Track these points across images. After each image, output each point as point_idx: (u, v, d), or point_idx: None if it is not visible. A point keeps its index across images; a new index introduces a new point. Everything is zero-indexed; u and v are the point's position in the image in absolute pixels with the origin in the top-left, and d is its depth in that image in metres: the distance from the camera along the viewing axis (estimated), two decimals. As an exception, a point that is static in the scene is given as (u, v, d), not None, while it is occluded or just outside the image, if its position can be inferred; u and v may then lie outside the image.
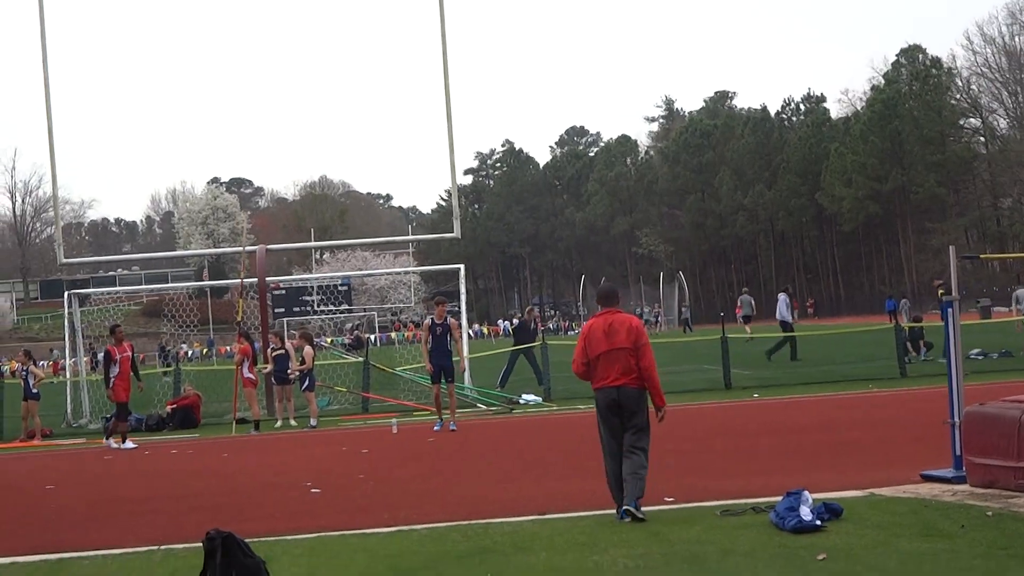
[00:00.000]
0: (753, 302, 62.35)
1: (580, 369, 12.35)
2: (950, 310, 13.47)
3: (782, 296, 39.25)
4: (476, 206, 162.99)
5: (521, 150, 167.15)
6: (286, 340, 30.01)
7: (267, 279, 32.55)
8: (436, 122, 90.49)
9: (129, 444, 24.33)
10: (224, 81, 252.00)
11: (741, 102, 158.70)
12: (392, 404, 29.21)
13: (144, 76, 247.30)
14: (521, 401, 28.39)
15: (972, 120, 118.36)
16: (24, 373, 28.92)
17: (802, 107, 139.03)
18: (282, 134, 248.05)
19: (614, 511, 11.80)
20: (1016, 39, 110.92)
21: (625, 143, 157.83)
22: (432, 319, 24.40)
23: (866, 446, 16.93)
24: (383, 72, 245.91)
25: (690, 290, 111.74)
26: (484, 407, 28.18)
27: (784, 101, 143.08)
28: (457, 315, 31.19)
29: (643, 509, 11.83)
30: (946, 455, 13.11)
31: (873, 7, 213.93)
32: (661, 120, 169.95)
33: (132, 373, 25.22)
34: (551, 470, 16.32)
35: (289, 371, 28.00)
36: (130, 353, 25.44)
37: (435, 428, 23.45)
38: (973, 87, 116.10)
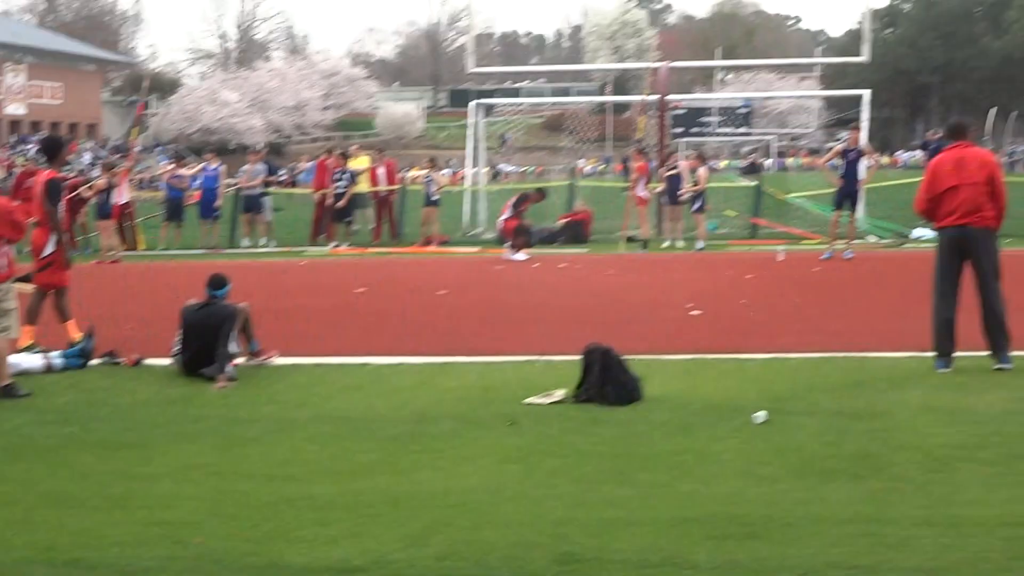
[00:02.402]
0: None
1: (923, 207, 11.68)
2: None
3: None
4: (889, 31, 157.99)
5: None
6: (681, 160, 30.13)
7: (668, 98, 32.54)
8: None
9: (520, 255, 25.05)
10: None
11: None
12: (781, 231, 29.02)
13: None
14: (912, 235, 27.75)
15: None
16: (427, 180, 30.12)
17: None
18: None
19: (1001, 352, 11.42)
20: None
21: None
22: (845, 144, 24.49)
23: None
24: None
25: None
26: (875, 239, 27.73)
27: None
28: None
29: (1014, 354, 11.54)
30: None
31: None
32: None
33: None
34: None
35: (681, 192, 28.12)
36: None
37: (823, 257, 23.28)
38: None
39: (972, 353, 11.40)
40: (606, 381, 10.22)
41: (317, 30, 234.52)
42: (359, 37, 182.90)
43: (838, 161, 24.62)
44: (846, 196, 23.85)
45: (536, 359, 12.34)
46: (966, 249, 11.43)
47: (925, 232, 27.00)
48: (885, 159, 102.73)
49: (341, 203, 29.38)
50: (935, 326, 11.46)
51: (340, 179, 29.42)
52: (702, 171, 28.33)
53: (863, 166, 24.70)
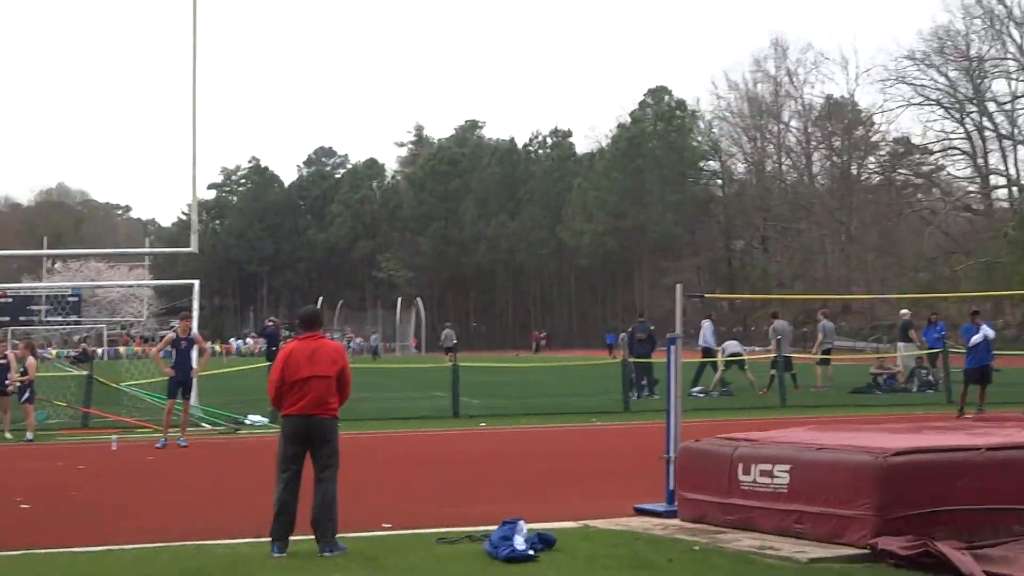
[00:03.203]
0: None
1: (274, 393, 11.83)
2: (673, 346, 13.83)
3: (707, 322, 38.19)
4: (218, 222, 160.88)
5: (267, 168, 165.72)
6: (8, 350, 29.01)
7: (-9, 286, 31.40)
8: (180, 134, 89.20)
9: None
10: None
11: (490, 132, 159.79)
12: (113, 420, 28.45)
13: None
14: (247, 421, 28.02)
15: (712, 163, 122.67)
16: None
17: (549, 140, 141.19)
18: (19, 137, 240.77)
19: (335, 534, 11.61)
20: (758, 86, 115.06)
21: (372, 167, 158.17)
22: (176, 333, 24.53)
23: (585, 478, 17.28)
24: (128, 80, 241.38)
25: (427, 317, 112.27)
26: (209, 426, 27.74)
27: (532, 133, 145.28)
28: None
29: (360, 534, 11.85)
30: (661, 489, 13.39)
31: (623, 46, 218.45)
32: (410, 146, 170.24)
33: None
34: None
35: (8, 382, 27.03)
36: None
37: (158, 445, 22.99)
38: (715, 130, 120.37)
39: (310, 537, 11.50)
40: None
41: None
42: None
43: (170, 350, 24.52)
44: (179, 384, 23.81)
45: None
46: (310, 438, 11.59)
47: (259, 418, 27.41)
48: (218, 347, 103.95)
49: None
50: (276, 512, 11.48)
51: None
52: (31, 361, 27.42)
53: (195, 354, 24.76)
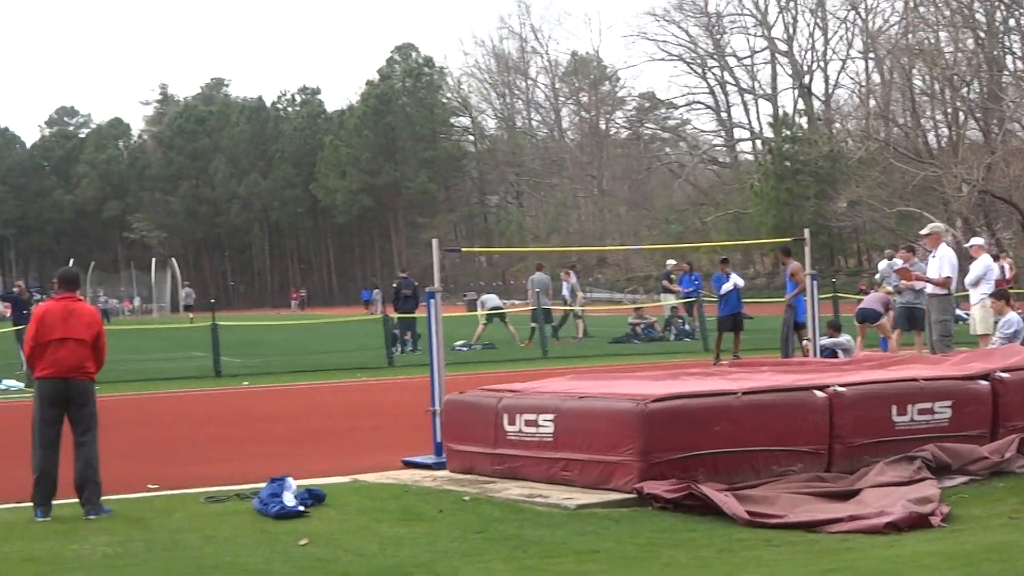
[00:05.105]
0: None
1: (30, 353, 11.59)
2: (432, 301, 13.91)
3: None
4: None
5: (7, 128, 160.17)
6: None
7: None
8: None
9: None
10: None
11: (237, 90, 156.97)
12: None
13: None
14: (1, 387, 27.20)
15: (463, 119, 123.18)
16: None
17: (297, 98, 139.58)
18: None
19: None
20: (504, 43, 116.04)
21: (117, 126, 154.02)
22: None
23: (352, 433, 17.35)
24: None
25: (183, 277, 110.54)
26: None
27: (280, 92, 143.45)
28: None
29: (126, 496, 11.76)
30: (429, 442, 13.49)
31: (368, 3, 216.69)
32: (156, 104, 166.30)
33: None
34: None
35: None
36: None
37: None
38: (464, 87, 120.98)
39: (75, 500, 11.30)
40: None
41: None
42: None
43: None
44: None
45: None
46: (67, 401, 11.37)
47: (14, 383, 26.65)
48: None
49: None
50: (36, 476, 11.24)
51: None
52: None
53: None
